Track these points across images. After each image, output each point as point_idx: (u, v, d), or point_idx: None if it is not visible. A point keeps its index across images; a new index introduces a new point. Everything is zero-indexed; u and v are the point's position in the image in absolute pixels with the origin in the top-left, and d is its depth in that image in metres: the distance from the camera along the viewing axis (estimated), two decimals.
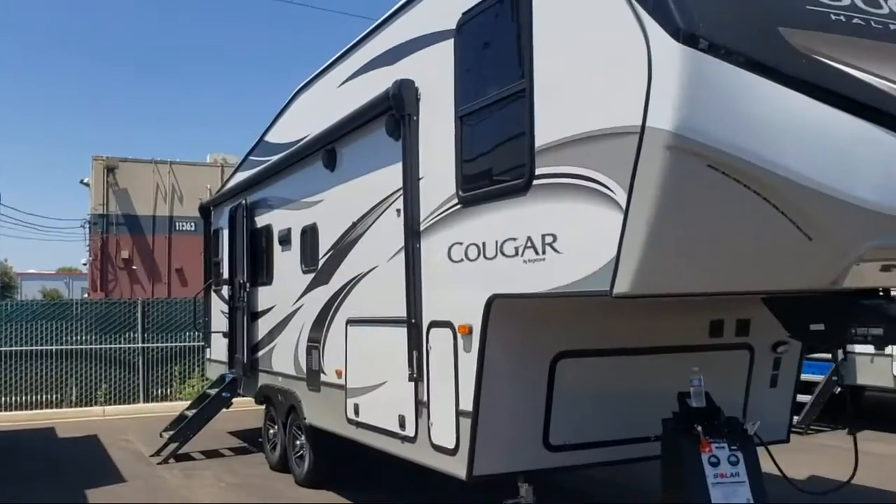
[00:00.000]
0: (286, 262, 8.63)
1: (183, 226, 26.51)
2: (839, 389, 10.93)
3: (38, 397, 15.01)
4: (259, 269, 9.53)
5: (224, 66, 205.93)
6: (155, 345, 15.79)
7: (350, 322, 6.93)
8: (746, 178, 3.67)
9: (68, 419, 14.29)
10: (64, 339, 15.18)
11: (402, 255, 5.89)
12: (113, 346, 15.48)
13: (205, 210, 12.04)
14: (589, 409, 5.43)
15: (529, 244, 4.50)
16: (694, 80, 3.62)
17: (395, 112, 5.86)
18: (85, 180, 28.21)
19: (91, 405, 15.14)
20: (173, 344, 15.92)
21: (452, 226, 5.28)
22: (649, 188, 3.71)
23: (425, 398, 5.63)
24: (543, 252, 4.39)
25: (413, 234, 5.73)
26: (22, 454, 10.76)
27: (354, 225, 6.86)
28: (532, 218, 4.49)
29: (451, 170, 5.28)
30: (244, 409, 12.32)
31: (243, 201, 9.77)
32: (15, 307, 15.76)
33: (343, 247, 7.10)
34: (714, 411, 4.74)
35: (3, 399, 14.74)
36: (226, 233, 10.89)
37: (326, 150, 7.38)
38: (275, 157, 8.88)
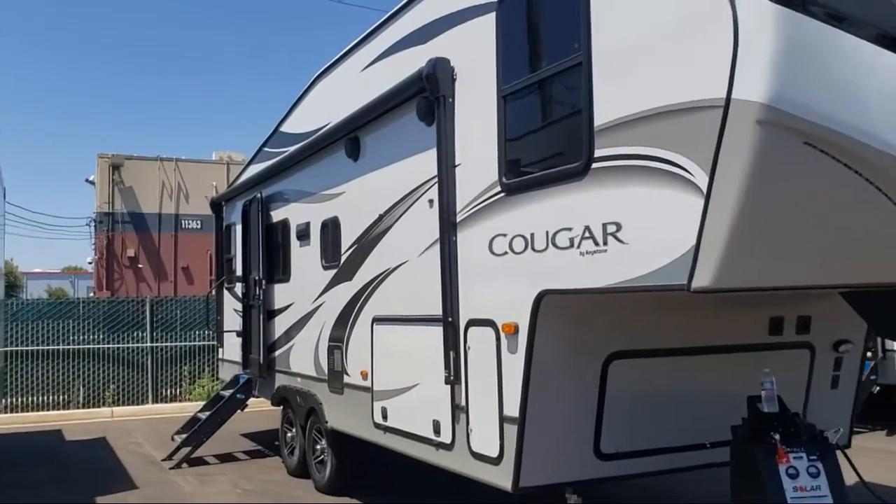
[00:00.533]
0: (305, 258, 8.21)
1: (189, 223, 26.54)
2: (877, 389, 10.50)
3: (46, 398, 14.64)
4: (275, 265, 9.12)
5: (229, 66, 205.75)
6: (164, 344, 15.41)
7: (376, 321, 6.51)
8: (847, 156, 3.25)
9: (76, 421, 13.93)
10: (71, 338, 14.81)
11: (436, 248, 5.47)
12: (121, 345, 15.10)
13: (216, 205, 11.63)
14: (642, 414, 5.00)
15: (587, 234, 4.07)
16: (788, 43, 3.20)
17: (429, 94, 5.43)
18: (90, 178, 28.02)
19: (99, 406, 14.76)
20: (183, 343, 15.53)
21: (494, 216, 4.86)
22: (736, 169, 3.28)
23: (463, 402, 5.21)
24: (605, 243, 3.96)
25: (449, 226, 5.31)
26: (29, 458, 10.37)
27: (381, 217, 6.43)
28: (590, 205, 4.06)
29: (492, 155, 4.85)
30: (257, 411, 11.92)
31: (258, 195, 9.36)
32: (20, 306, 15.38)
33: (368, 241, 6.68)
34: (790, 417, 4.30)
35: (10, 400, 14.37)
36: (239, 228, 10.48)
37: (349, 138, 6.96)
38: (292, 148, 8.46)
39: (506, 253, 4.75)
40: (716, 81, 3.34)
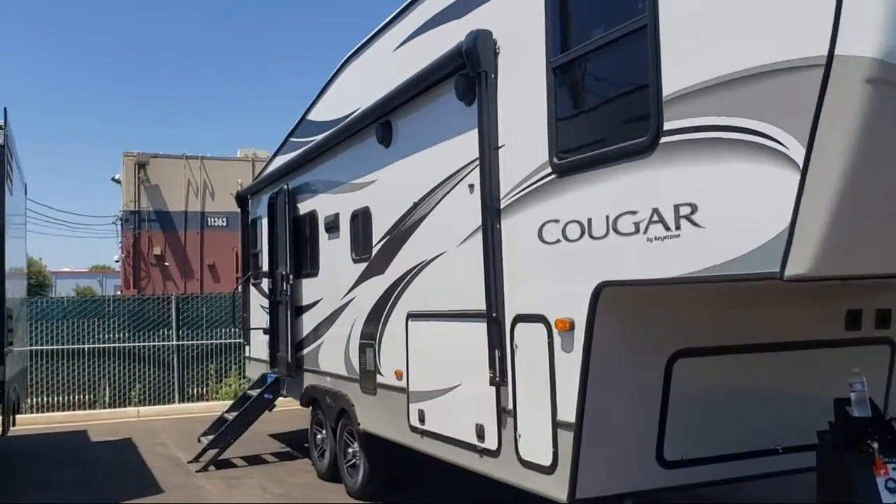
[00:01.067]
0: (334, 251, 7.82)
1: (215, 221, 26.45)
2: None
3: (71, 398, 14.42)
4: (303, 259, 8.74)
5: (251, 61, 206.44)
6: (190, 342, 15.13)
7: (411, 316, 6.09)
8: None
9: (102, 420, 13.68)
10: (97, 337, 14.58)
11: (478, 238, 5.05)
12: (147, 343, 14.84)
13: (241, 199, 11.29)
14: (708, 417, 4.55)
15: (656, 218, 3.62)
16: None
17: (469, 70, 5.00)
18: (116, 177, 28.05)
19: (125, 406, 14.52)
20: (209, 341, 15.25)
21: (544, 200, 4.42)
22: (839, 137, 2.82)
23: (510, 405, 4.78)
24: (677, 227, 3.51)
25: (492, 213, 4.88)
26: (54, 460, 10.10)
27: (415, 206, 6.02)
28: (659, 184, 3.61)
29: (541, 134, 4.41)
30: (286, 410, 11.57)
31: (285, 186, 8.98)
32: (48, 304, 15.17)
33: (401, 232, 6.27)
34: (887, 423, 3.82)
35: (35, 400, 14.16)
36: (265, 222, 10.14)
37: (380, 123, 6.54)
38: (319, 137, 8.07)
39: (558, 241, 4.31)
40: (814, 37, 2.88)
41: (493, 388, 4.88)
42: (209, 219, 26.33)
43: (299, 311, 8.74)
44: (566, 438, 4.23)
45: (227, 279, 25.80)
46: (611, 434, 4.26)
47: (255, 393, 9.61)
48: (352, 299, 7.33)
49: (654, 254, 3.64)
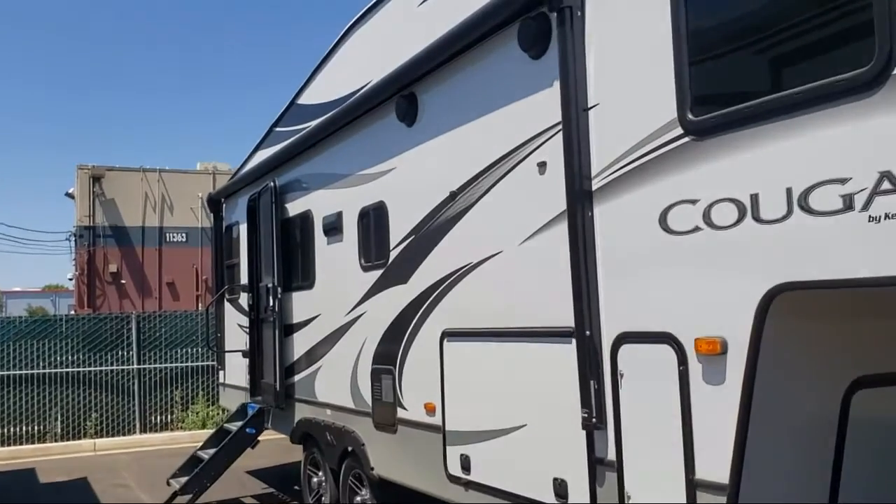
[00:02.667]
0: (335, 259, 6.53)
1: (174, 237, 25.91)
2: None
3: (17, 429, 12.77)
4: (294, 269, 7.42)
5: (206, 78, 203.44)
6: (153, 365, 13.60)
7: (449, 336, 4.82)
8: None
9: (53, 456, 12.12)
10: (48, 361, 12.97)
11: (554, 231, 3.83)
12: (104, 367, 13.28)
13: (214, 203, 9.89)
14: (888, 460, 3.36)
15: (887, 186, 2.42)
16: None
17: (547, 7, 3.78)
18: (70, 191, 26.85)
19: (79, 438, 12.94)
20: (174, 364, 13.74)
21: (670, 174, 3.20)
22: None
23: (611, 456, 3.53)
24: None
25: (580, 197, 3.65)
26: None
27: (453, 197, 4.77)
28: (891, 136, 2.42)
29: (663, 82, 3.20)
30: (265, 439, 10.15)
31: (271, 184, 7.65)
32: None
33: (431, 230, 5.02)
34: None
35: None
36: (243, 228, 8.79)
37: (402, 97, 5.29)
38: (315, 123, 6.79)
39: (696, 229, 3.08)
40: None
41: (586, 431, 3.63)
42: (168, 234, 25.46)
43: (289, 329, 7.40)
44: None
45: (187, 297, 25.09)
46: (774, 490, 3.04)
47: (234, 427, 8.20)
48: (360, 315, 6.03)
49: (882, 239, 2.44)
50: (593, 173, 3.62)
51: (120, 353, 13.42)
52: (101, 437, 13.07)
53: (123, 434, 13.30)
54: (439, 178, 4.91)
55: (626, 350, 3.46)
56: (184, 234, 25.27)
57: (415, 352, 5.25)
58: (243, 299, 8.83)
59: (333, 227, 6.48)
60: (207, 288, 25.67)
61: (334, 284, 6.55)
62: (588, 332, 3.59)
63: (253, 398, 8.42)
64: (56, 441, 12.80)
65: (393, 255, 5.54)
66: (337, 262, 6.48)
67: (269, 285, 7.56)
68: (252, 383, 8.45)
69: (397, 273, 5.48)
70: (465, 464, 4.60)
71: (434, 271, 4.99)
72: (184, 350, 13.82)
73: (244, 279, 8.82)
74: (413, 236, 5.26)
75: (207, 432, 13.31)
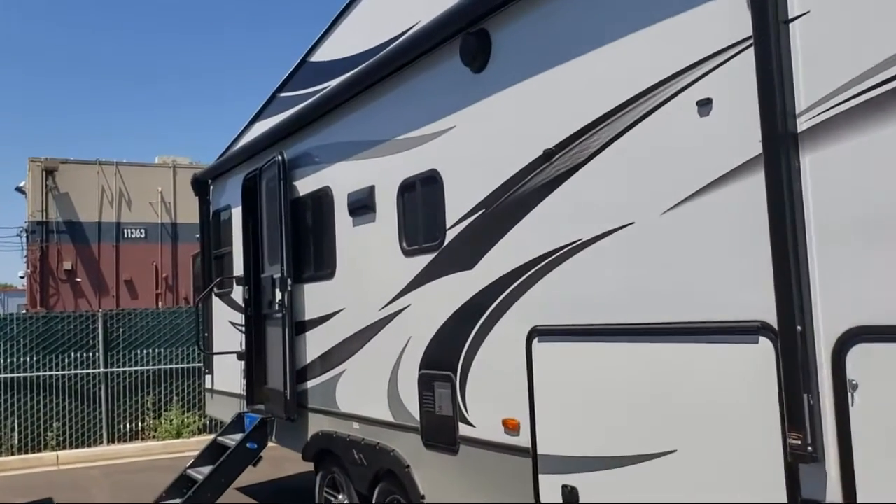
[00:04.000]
0: (364, 242, 5.46)
1: (132, 233, 24.88)
2: None
3: None
4: (306, 256, 6.32)
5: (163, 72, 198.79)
6: (121, 369, 12.32)
7: (541, 334, 3.80)
8: None
9: (10, 471, 10.82)
10: (1, 365, 11.62)
11: (727, 192, 2.84)
12: (67, 371, 11.96)
13: (200, 185, 8.71)
14: None
15: None
16: None
17: None
18: (21, 185, 25.69)
19: (40, 450, 11.61)
20: (145, 367, 12.47)
21: None
22: None
23: (834, 498, 2.55)
24: None
25: (782, 142, 2.65)
26: None
27: (549, 157, 3.74)
28: None
29: None
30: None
31: (278, 157, 6.52)
32: None
33: (513, 201, 3.99)
34: None
35: None
36: (237, 212, 7.66)
37: (470, 34, 4.25)
38: (336, 82, 5.70)
39: None
40: None
41: (795, 462, 2.64)
42: (126, 230, 24.36)
43: (301, 327, 6.30)
44: None
45: (146, 296, 24.02)
46: None
47: (230, 441, 7.06)
48: (401, 309, 4.98)
49: None
50: (799, 109, 2.63)
51: (84, 355, 12.12)
52: (64, 448, 11.77)
53: (89, 445, 12.01)
54: (524, 135, 3.89)
55: (858, 353, 2.47)
56: (143, 230, 24.28)
57: (485, 354, 4.21)
58: (237, 293, 7.71)
59: (362, 206, 5.41)
60: (168, 286, 24.65)
61: (363, 273, 5.48)
62: (800, 328, 2.59)
63: (250, 407, 7.31)
64: (13, 454, 11.48)
65: (450, 235, 4.50)
66: (367, 246, 5.42)
67: (278, 276, 6.44)
68: (249, 389, 7.34)
69: (457, 257, 4.44)
70: (572, 498, 3.58)
71: (516, 253, 3.96)
72: (156, 351, 12.57)
73: (237, 270, 7.71)
74: (482, 211, 4.23)
75: (183, 442, 12.15)
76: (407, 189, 4.94)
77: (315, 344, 6.11)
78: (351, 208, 5.57)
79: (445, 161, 4.56)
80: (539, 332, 3.81)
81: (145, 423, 12.44)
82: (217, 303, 8.36)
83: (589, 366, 3.56)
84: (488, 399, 4.20)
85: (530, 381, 3.85)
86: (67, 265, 23.38)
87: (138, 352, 12.47)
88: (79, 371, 12.07)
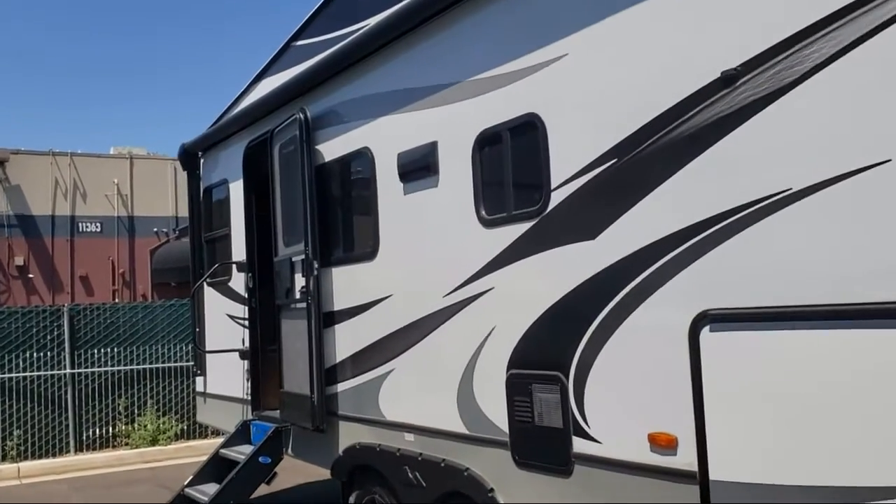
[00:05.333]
0: (422, 212, 4.44)
1: (87, 227, 23.37)
2: None
3: None
4: (335, 234, 5.28)
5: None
6: (89, 370, 11.07)
7: (717, 320, 2.84)
8: None
9: None
10: None
11: None
12: (27, 373, 10.67)
13: (189, 158, 7.56)
14: None
15: None
16: None
17: None
18: None
19: None
20: (116, 367, 11.24)
21: None
22: None
23: None
24: None
25: None
26: None
27: (729, 83, 2.78)
28: None
29: None
30: None
31: (299, 115, 5.43)
32: None
33: (663, 147, 3.02)
34: None
35: None
36: (236, 186, 6.59)
37: None
38: (379, 17, 4.67)
39: None
40: None
41: None
42: (80, 224, 23.09)
43: (330, 319, 5.25)
44: None
45: (102, 292, 22.85)
46: None
47: (238, 454, 5.96)
48: (480, 293, 3.97)
49: None
50: None
51: (48, 354, 10.85)
52: (26, 459, 10.50)
53: (54, 455, 10.74)
54: (687, 56, 2.92)
55: None
56: (98, 224, 23.04)
57: (616, 349, 3.24)
58: (237, 282, 6.64)
59: (420, 168, 4.39)
60: (125, 282, 23.62)
61: (419, 251, 4.46)
62: None
63: (257, 413, 6.26)
64: None
65: (557, 197, 3.51)
66: (425, 218, 4.40)
67: (298, 259, 5.37)
68: (255, 393, 6.29)
69: (569, 225, 3.45)
70: None
71: (673, 215, 2.99)
72: (128, 350, 11.34)
73: (237, 255, 6.64)
74: (612, 162, 3.25)
75: (160, 450, 10.96)
76: (487, 142, 3.93)
77: (350, 339, 5.07)
78: (402, 171, 4.54)
79: (550, 101, 3.56)
80: (713, 318, 2.85)
81: (117, 430, 11.21)
82: (211, 294, 7.24)
83: (799, 361, 2.60)
84: (622, 407, 3.23)
85: (696, 384, 2.89)
86: (19, 260, 22.16)
87: (108, 350, 11.24)
88: (42, 372, 10.79)
